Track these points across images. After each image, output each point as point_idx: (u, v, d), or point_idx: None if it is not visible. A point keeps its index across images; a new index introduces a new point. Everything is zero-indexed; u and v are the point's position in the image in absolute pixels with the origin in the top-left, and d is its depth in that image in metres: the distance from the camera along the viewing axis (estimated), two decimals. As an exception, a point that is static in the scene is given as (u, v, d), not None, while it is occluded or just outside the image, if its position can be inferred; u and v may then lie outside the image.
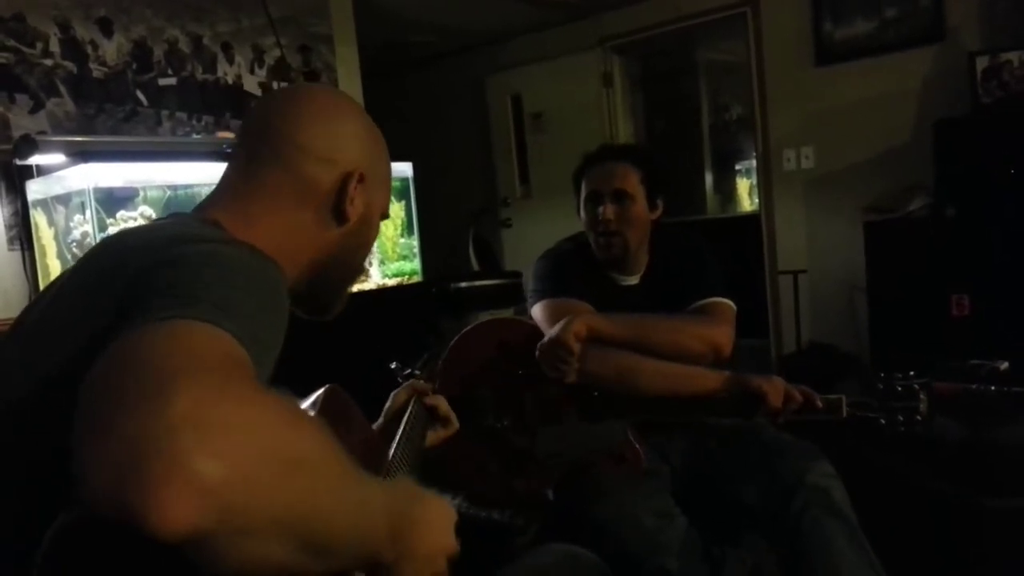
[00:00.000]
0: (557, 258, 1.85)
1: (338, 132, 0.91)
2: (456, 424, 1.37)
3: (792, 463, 1.53)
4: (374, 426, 1.30)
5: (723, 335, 1.69)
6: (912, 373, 1.55)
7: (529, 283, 1.82)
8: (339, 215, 0.90)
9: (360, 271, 1.02)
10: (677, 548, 1.49)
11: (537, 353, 1.63)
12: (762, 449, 1.61)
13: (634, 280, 1.83)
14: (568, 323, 1.61)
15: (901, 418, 1.52)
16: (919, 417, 1.52)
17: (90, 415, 0.50)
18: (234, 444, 0.50)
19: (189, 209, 0.93)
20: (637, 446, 1.62)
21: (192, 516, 0.47)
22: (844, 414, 1.54)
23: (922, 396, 1.52)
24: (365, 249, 0.99)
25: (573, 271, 1.79)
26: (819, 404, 1.54)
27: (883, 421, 1.53)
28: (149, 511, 0.46)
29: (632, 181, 1.75)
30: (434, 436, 1.35)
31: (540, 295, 1.76)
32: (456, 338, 1.77)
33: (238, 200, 0.87)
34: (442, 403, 1.36)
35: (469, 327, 1.79)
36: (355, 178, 0.90)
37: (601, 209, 1.74)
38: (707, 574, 1.53)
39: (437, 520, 0.74)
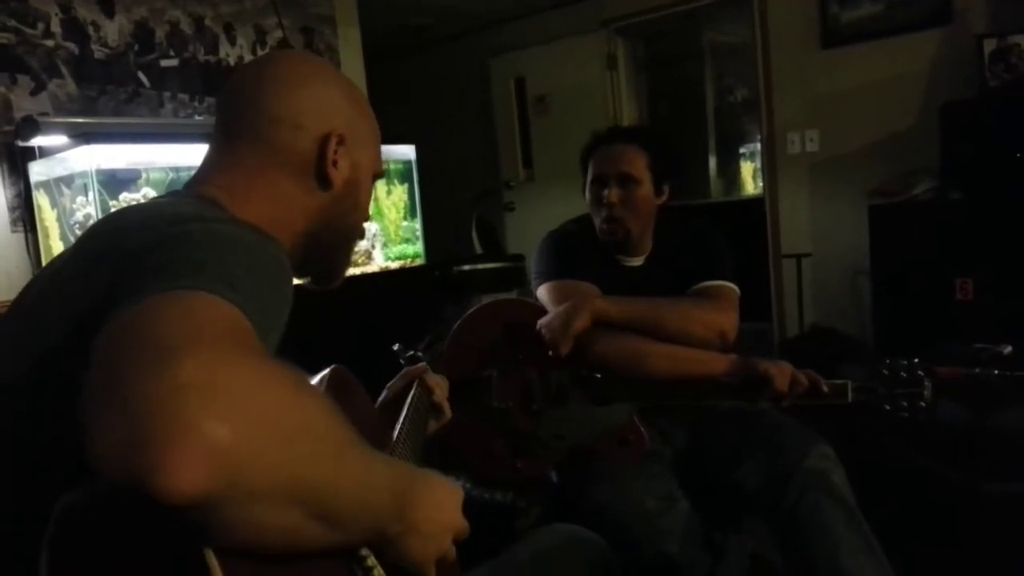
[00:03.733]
0: (562, 239, 1.84)
1: (307, 96, 0.88)
2: (448, 415, 1.35)
3: (792, 446, 1.53)
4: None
5: (729, 321, 1.69)
6: (916, 360, 1.56)
7: (534, 265, 1.81)
8: (323, 180, 0.88)
9: (356, 234, 0.99)
10: (679, 533, 1.49)
11: (542, 331, 1.63)
12: (762, 432, 1.61)
13: (639, 262, 1.83)
14: (575, 311, 1.61)
15: (905, 404, 1.52)
16: (923, 403, 1.52)
17: (97, 385, 0.50)
18: (241, 408, 0.50)
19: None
20: (641, 429, 1.62)
21: (201, 479, 0.47)
22: (849, 399, 1.54)
23: (926, 382, 1.53)
24: (358, 212, 0.96)
25: (578, 252, 1.78)
26: (824, 389, 1.54)
27: (887, 407, 1.54)
28: (158, 474, 0.46)
29: (639, 165, 1.73)
30: (432, 425, 1.34)
31: (545, 276, 1.76)
32: (462, 319, 1.76)
33: (225, 177, 0.86)
34: (437, 390, 1.34)
35: (474, 308, 1.79)
36: (333, 140, 0.88)
37: (606, 192, 1.73)
38: (708, 560, 1.54)
39: (443, 499, 0.74)
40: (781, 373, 1.54)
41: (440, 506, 0.73)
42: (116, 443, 0.47)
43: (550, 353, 1.64)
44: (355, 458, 0.61)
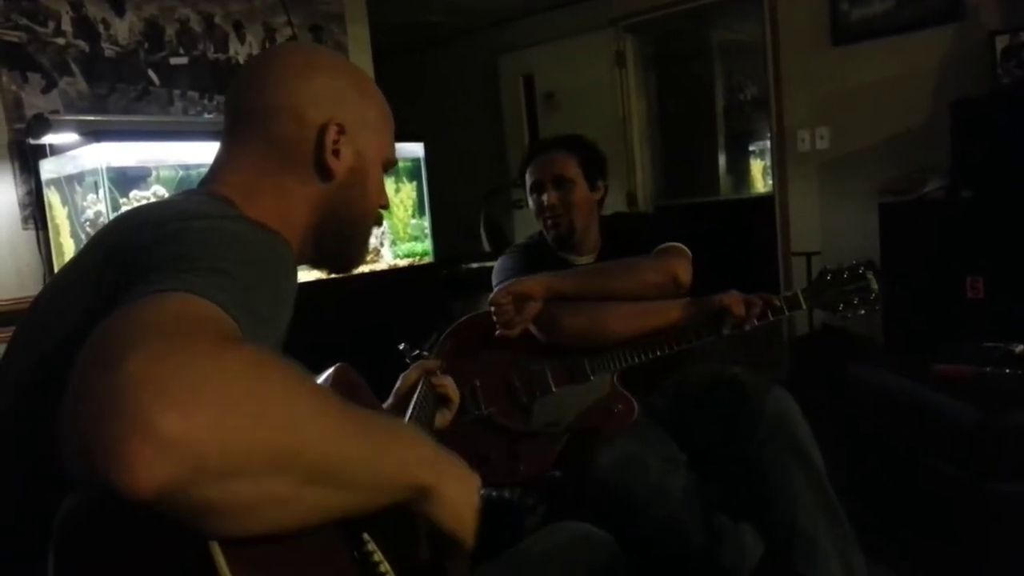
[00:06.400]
0: (516, 251, 1.98)
1: (309, 86, 0.87)
2: (456, 400, 1.39)
3: (756, 398, 1.59)
4: (384, 406, 1.31)
5: (678, 265, 1.78)
6: (854, 261, 1.67)
7: (493, 279, 1.91)
8: (323, 170, 0.87)
9: (368, 222, 0.97)
10: (684, 495, 1.53)
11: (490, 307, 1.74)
12: (730, 387, 1.67)
13: (590, 259, 1.92)
14: (522, 279, 1.74)
15: (856, 300, 1.64)
16: (872, 295, 1.63)
17: (67, 392, 0.50)
18: (191, 393, 0.49)
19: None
20: (626, 394, 1.70)
21: (158, 471, 0.46)
22: (804, 306, 1.67)
23: (868, 275, 1.64)
24: (367, 200, 0.94)
25: (532, 260, 1.89)
26: (777, 303, 1.66)
27: (842, 306, 1.66)
28: (117, 473, 0.46)
29: (570, 167, 1.87)
30: (440, 419, 1.35)
31: (502, 284, 1.83)
32: (439, 343, 1.80)
33: (233, 174, 0.86)
34: (449, 383, 1.37)
35: (446, 333, 1.84)
36: (332, 130, 0.86)
37: (545, 196, 1.86)
38: (705, 535, 1.56)
39: (467, 485, 0.75)
40: (734, 300, 1.64)
41: (464, 485, 0.74)
42: (75, 448, 0.47)
43: (498, 332, 1.73)
44: (341, 416, 0.59)
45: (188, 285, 0.57)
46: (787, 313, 1.67)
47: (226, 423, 0.50)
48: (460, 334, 1.83)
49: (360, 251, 0.98)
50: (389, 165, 0.97)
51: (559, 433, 1.70)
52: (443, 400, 1.37)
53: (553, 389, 1.73)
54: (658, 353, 1.70)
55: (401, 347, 1.48)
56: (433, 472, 0.69)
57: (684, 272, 1.76)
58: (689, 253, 1.83)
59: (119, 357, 0.49)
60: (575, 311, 1.71)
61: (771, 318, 1.67)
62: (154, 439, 0.46)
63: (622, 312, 1.71)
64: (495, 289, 1.84)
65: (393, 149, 0.98)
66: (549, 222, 1.87)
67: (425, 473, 0.67)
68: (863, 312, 1.63)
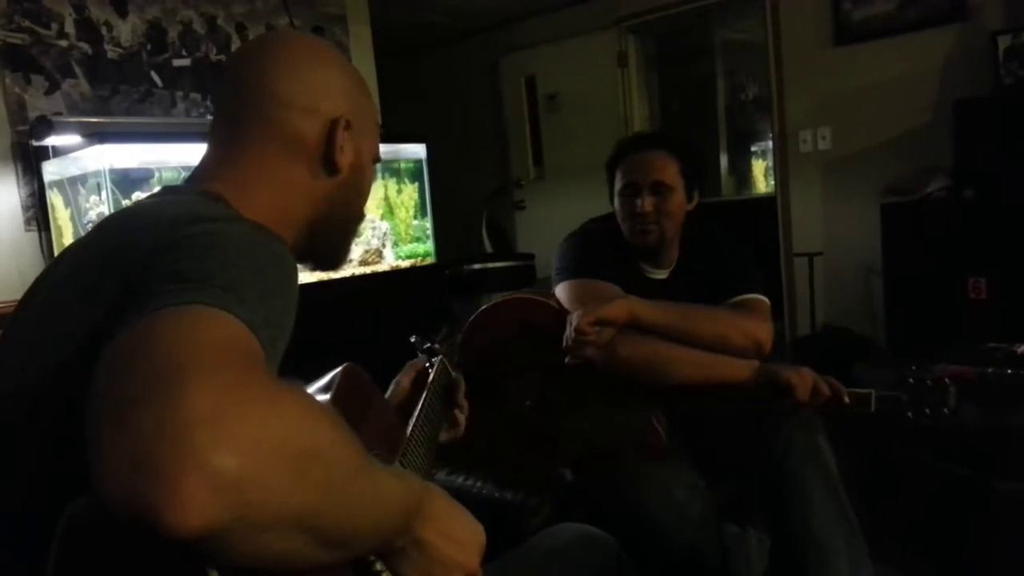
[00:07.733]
0: (586, 239, 1.79)
1: (318, 79, 0.86)
2: (462, 429, 1.30)
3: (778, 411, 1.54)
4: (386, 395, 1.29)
5: (765, 331, 1.66)
6: (947, 373, 1.56)
7: (555, 262, 1.77)
8: (330, 166, 0.86)
9: (358, 220, 0.98)
10: (704, 522, 1.50)
11: (568, 329, 1.58)
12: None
13: (663, 274, 1.79)
14: (608, 305, 1.58)
15: (928, 411, 1.50)
16: (946, 410, 1.50)
17: (103, 407, 0.49)
18: (251, 440, 0.49)
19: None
20: (659, 430, 1.59)
21: (208, 513, 0.46)
22: (872, 408, 1.51)
23: (951, 390, 1.50)
24: (361, 198, 0.95)
25: (603, 255, 1.73)
26: (847, 400, 1.51)
27: (910, 415, 1.51)
28: (165, 509, 0.45)
29: (671, 172, 1.70)
30: (444, 436, 1.28)
31: (568, 273, 1.71)
32: (476, 314, 1.72)
33: (230, 168, 0.84)
34: (462, 413, 1.30)
35: (489, 304, 1.74)
36: (342, 125, 0.86)
37: (639, 201, 1.68)
38: (719, 549, 1.55)
39: (460, 535, 0.74)
40: (803, 382, 1.51)
41: (455, 542, 0.73)
42: (121, 475, 0.46)
43: (568, 359, 1.59)
44: (366, 482, 0.60)
45: (213, 299, 0.56)
46: (851, 409, 1.52)
47: (273, 476, 0.49)
48: (497, 317, 1.72)
49: (347, 249, 0.99)
50: (376, 161, 0.98)
51: (580, 448, 1.63)
52: (450, 418, 1.29)
53: (586, 405, 1.63)
54: (702, 406, 1.62)
55: (413, 339, 1.44)
56: (407, 537, 0.69)
57: (768, 339, 1.65)
58: (770, 307, 1.72)
59: (176, 386, 0.48)
60: (642, 345, 1.58)
61: (833, 409, 1.54)
62: (210, 482, 0.46)
63: (686, 359, 1.58)
64: (555, 275, 1.71)
65: (379, 145, 0.98)
66: (639, 228, 1.69)
67: (400, 538, 0.68)
68: (927, 423, 1.51)
